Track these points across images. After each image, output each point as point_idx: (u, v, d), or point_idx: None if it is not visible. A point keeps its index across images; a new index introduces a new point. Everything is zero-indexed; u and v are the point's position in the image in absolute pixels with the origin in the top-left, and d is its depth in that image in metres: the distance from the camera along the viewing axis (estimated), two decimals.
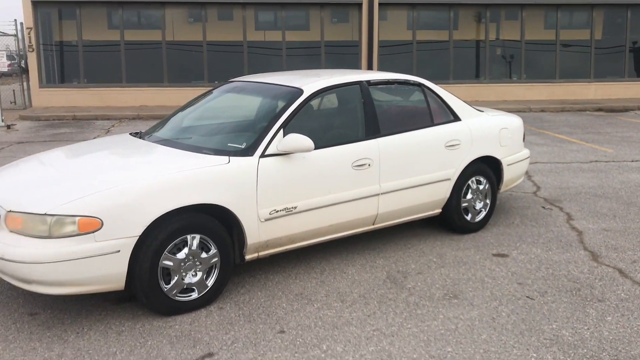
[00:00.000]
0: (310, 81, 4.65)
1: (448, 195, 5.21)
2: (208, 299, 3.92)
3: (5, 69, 14.78)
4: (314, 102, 4.52)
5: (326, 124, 4.64)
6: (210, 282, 3.92)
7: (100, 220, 3.45)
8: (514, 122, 5.85)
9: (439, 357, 3.32)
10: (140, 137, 4.88)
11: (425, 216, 5.22)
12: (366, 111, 4.75)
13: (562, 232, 5.49)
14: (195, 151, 4.17)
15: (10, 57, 15.51)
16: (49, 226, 3.41)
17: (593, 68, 17.46)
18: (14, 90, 17.07)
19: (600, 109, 15.59)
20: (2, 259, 3.44)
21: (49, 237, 3.42)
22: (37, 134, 11.70)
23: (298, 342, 3.49)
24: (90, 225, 3.43)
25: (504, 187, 5.77)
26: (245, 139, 4.23)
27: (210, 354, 3.35)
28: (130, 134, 5.06)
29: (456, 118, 5.33)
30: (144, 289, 3.64)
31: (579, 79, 17.25)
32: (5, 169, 4.38)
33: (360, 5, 16.07)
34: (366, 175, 4.57)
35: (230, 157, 4.01)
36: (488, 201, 5.56)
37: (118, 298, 4.05)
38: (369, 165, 4.57)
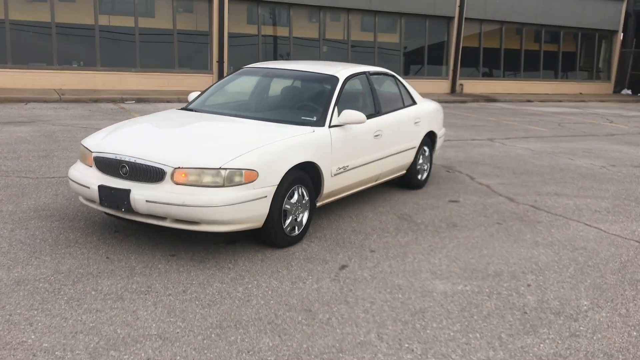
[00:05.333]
0: (336, 70, 6.01)
1: (412, 159, 6.96)
2: (301, 235, 5.13)
3: None
4: (346, 86, 5.89)
5: (354, 104, 6.03)
6: (304, 221, 5.12)
7: (257, 172, 4.49)
8: (440, 106, 7.83)
9: (486, 256, 5.06)
10: (194, 110, 5.77)
11: (398, 176, 6.91)
12: (373, 95, 6.27)
13: (476, 186, 7.62)
14: (278, 122, 5.29)
15: None
16: (223, 178, 4.36)
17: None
18: None
19: None
20: (184, 205, 4.29)
21: (222, 186, 4.36)
22: None
23: (391, 255, 4.94)
24: (251, 176, 4.46)
25: (436, 153, 7.73)
26: (313, 114, 5.47)
27: (345, 266, 4.65)
28: (181, 108, 5.90)
29: (414, 102, 7.11)
30: (275, 226, 4.75)
31: None
32: (122, 131, 5.03)
33: None
34: (379, 143, 6.09)
35: (314, 127, 5.24)
36: (429, 164, 7.45)
37: (225, 240, 5.02)
38: (381, 135, 6.11)
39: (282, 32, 18.75)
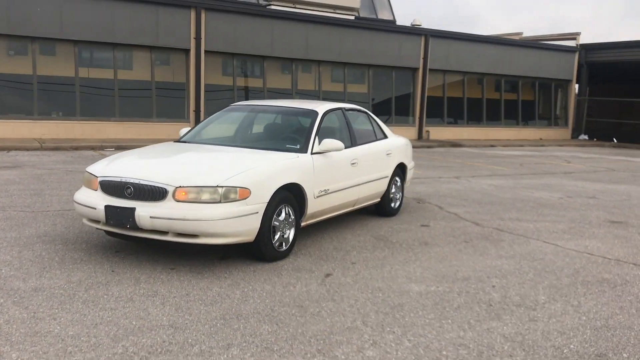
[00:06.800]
0: (315, 106, 6.67)
1: (385, 188, 7.58)
2: (288, 251, 5.62)
3: None
4: (324, 120, 6.52)
5: (332, 135, 6.65)
6: (290, 238, 5.63)
7: (250, 190, 5.03)
8: (409, 141, 8.53)
9: (455, 266, 5.62)
10: (187, 142, 6.31)
11: (373, 203, 7.50)
12: (349, 127, 6.92)
13: (445, 214, 8.24)
14: (266, 150, 5.88)
15: None
16: (220, 195, 4.88)
17: None
18: None
19: None
20: (185, 219, 4.78)
21: (219, 202, 4.88)
22: None
23: (370, 265, 5.47)
24: (245, 194, 4.99)
25: (406, 184, 8.37)
26: (296, 142, 6.07)
27: (330, 274, 5.15)
28: (175, 141, 6.44)
29: (385, 136, 7.78)
30: (265, 240, 5.25)
31: None
32: (125, 159, 5.53)
33: (187, 50, 17.75)
34: (355, 170, 6.70)
35: (298, 154, 5.83)
36: (401, 194, 8.07)
37: (219, 256, 5.49)
38: (357, 163, 6.72)
39: (256, 83, 19.59)
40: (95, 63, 17.26)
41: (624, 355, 3.75)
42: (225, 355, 3.47)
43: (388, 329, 4.00)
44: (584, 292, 4.98)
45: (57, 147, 14.60)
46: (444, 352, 3.67)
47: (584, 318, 4.37)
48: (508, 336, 3.96)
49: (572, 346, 3.85)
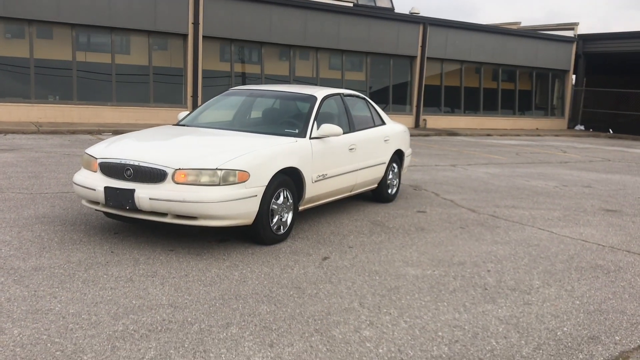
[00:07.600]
0: (314, 91, 6.68)
1: (383, 174, 7.61)
2: (286, 234, 5.67)
3: None
4: (323, 105, 6.55)
5: (330, 120, 6.67)
6: (288, 222, 5.67)
7: (249, 173, 5.06)
8: (407, 128, 8.56)
9: (451, 251, 5.68)
10: (186, 126, 6.33)
11: (370, 189, 7.54)
12: (347, 113, 6.94)
13: (441, 201, 8.30)
14: (265, 134, 5.90)
15: None
16: (219, 177, 4.91)
17: None
18: None
19: None
20: (184, 201, 4.81)
21: (218, 185, 4.91)
22: None
23: (367, 250, 5.52)
24: (243, 177, 5.02)
25: (403, 171, 8.41)
26: (295, 127, 6.10)
27: (327, 257, 5.21)
28: (174, 124, 6.45)
29: (383, 122, 7.81)
30: (263, 223, 5.29)
31: None
32: (124, 141, 5.55)
33: (185, 36, 17.69)
34: (353, 156, 6.73)
35: (297, 138, 5.86)
36: (398, 180, 8.12)
37: (217, 239, 5.53)
38: (355, 149, 6.75)
39: (253, 69, 19.54)
40: (92, 47, 17.19)
41: (616, 338, 3.82)
42: (224, 334, 3.53)
43: (385, 310, 4.06)
44: (578, 278, 5.05)
45: (54, 130, 14.58)
46: (440, 333, 3.73)
47: (578, 302, 4.44)
48: (503, 318, 4.03)
49: (565, 329, 3.92)
